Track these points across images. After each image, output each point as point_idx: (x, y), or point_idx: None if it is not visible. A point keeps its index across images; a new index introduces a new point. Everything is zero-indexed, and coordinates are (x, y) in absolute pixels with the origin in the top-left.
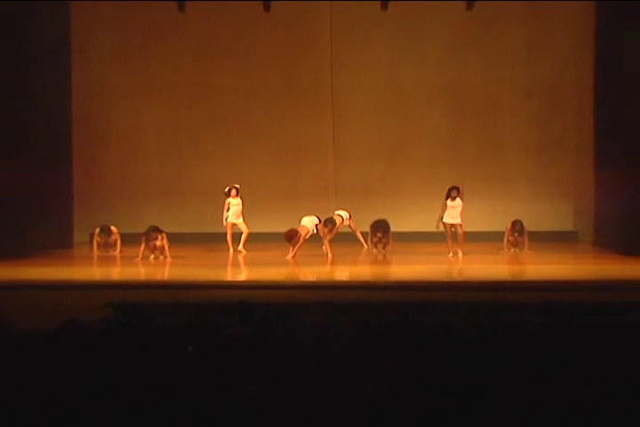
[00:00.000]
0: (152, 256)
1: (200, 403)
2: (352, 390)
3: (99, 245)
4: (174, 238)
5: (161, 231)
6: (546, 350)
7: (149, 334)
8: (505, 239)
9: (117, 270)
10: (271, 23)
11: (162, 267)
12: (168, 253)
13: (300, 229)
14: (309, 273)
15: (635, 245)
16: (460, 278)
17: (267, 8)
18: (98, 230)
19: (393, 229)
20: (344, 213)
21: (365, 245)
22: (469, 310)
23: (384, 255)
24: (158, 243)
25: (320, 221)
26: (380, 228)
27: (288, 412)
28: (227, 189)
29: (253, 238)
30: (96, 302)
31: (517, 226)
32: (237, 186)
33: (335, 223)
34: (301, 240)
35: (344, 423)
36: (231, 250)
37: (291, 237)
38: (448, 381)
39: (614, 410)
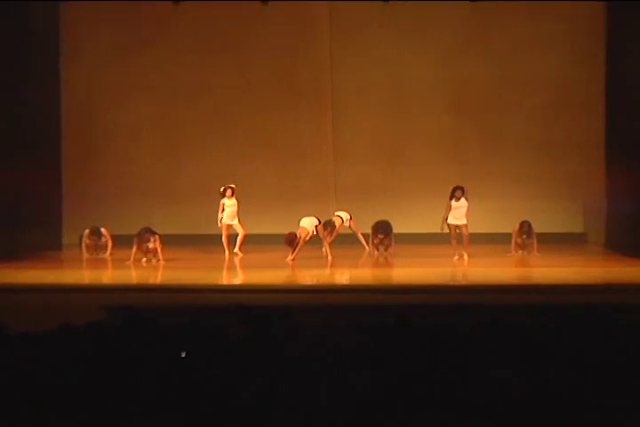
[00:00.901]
0: (144, 259)
1: (197, 407)
2: (352, 397)
3: (89, 248)
4: (167, 240)
5: (154, 233)
6: (554, 355)
7: (142, 337)
8: (512, 241)
9: (108, 273)
10: (269, 20)
11: (154, 270)
12: (161, 256)
13: (299, 232)
14: (309, 276)
15: None
16: (464, 282)
17: (264, 0)
18: (88, 232)
19: (395, 230)
20: (344, 214)
21: (366, 247)
22: (475, 315)
23: (386, 258)
24: (151, 245)
25: (320, 223)
26: (382, 229)
27: (286, 415)
28: (222, 189)
29: (250, 240)
30: (87, 306)
31: (525, 227)
32: (233, 186)
33: (335, 225)
34: (301, 242)
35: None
36: (227, 252)
37: (290, 241)
38: (452, 388)
39: (621, 414)
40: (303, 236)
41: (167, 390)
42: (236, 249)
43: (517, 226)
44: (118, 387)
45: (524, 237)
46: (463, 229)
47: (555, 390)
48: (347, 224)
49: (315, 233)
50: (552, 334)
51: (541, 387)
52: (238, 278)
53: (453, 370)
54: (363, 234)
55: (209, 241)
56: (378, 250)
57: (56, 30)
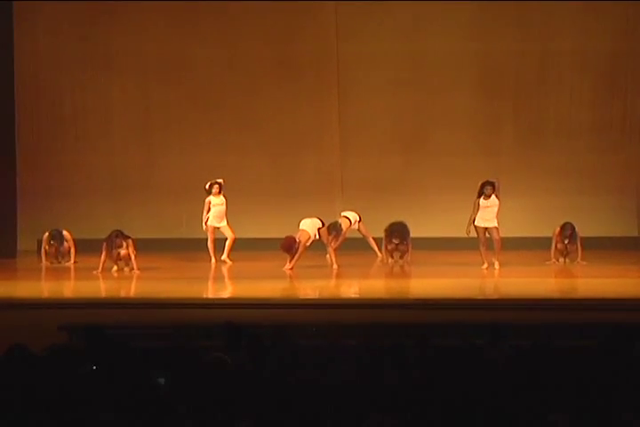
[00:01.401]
0: (115, 268)
1: None
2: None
3: (48, 255)
4: (143, 246)
5: (126, 237)
6: (602, 381)
7: (112, 363)
8: (552, 247)
9: (72, 285)
10: None
11: (127, 281)
12: (135, 264)
13: (298, 236)
14: (310, 288)
15: None
16: (496, 296)
17: None
18: (47, 236)
19: (413, 234)
20: (352, 215)
21: (379, 253)
22: (508, 335)
23: (401, 266)
24: (123, 251)
25: (323, 225)
26: (397, 233)
27: None
28: (207, 186)
29: (241, 246)
30: (45, 325)
31: (568, 231)
32: (221, 181)
33: (341, 228)
34: (301, 248)
35: None
36: (213, 260)
37: (288, 247)
38: (479, 422)
39: None
40: (303, 241)
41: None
42: (224, 256)
43: (558, 229)
44: (82, 424)
45: (567, 241)
46: (494, 232)
47: (598, 416)
48: (355, 227)
49: (317, 237)
50: (601, 358)
51: (589, 421)
52: (227, 291)
53: (481, 402)
54: (374, 238)
55: (192, 247)
56: (392, 257)
57: None
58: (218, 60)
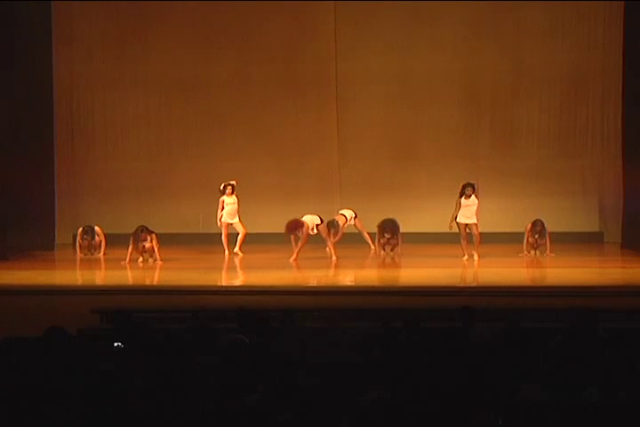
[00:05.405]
0: (140, 259)
1: (197, 415)
2: (357, 402)
3: (82, 247)
4: (165, 240)
5: (150, 232)
6: (569, 359)
7: (137, 342)
8: (524, 241)
9: (102, 274)
10: (271, 8)
11: (151, 270)
12: (158, 256)
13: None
14: (312, 277)
15: None
16: (475, 283)
17: None
18: (81, 231)
19: (402, 229)
20: (348, 213)
21: (372, 246)
22: (485, 318)
23: (392, 258)
24: (147, 244)
25: (322, 222)
26: (389, 228)
27: (289, 424)
28: (222, 187)
29: (251, 240)
30: (79, 309)
31: (538, 226)
32: (233, 183)
33: (339, 224)
34: (303, 239)
35: None
36: (227, 252)
37: (294, 227)
38: (462, 394)
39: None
40: (305, 230)
41: (165, 401)
42: (237, 249)
43: (529, 225)
44: (109, 399)
45: (537, 236)
46: (473, 228)
47: (569, 398)
48: (351, 222)
49: (314, 232)
50: (567, 338)
51: (555, 394)
52: (238, 280)
53: (462, 375)
54: (368, 233)
55: (208, 241)
56: (384, 250)
57: (48, 17)
58: (231, 79)
